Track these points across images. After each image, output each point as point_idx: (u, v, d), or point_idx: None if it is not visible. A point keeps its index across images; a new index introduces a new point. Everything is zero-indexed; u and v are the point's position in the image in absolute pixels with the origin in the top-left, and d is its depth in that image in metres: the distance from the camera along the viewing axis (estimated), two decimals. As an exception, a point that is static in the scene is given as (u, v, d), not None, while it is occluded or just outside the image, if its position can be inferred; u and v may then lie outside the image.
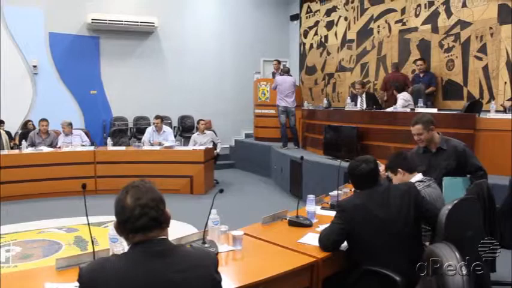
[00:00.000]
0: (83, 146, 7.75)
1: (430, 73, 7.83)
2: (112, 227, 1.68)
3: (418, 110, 6.26)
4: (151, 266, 1.47)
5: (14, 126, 9.04)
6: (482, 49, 7.15)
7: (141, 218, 1.50)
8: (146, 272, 1.46)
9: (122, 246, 2.28)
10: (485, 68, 7.10)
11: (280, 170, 8.03)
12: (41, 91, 9.47)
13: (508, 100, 6.44)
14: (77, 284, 1.50)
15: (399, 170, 3.11)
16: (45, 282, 2.07)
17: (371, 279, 2.46)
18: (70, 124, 7.94)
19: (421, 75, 7.78)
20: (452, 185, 3.33)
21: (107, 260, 1.54)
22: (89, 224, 2.32)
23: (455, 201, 2.39)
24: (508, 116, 5.35)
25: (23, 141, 7.44)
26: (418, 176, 3.11)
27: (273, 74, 9.69)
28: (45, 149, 7.42)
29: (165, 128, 8.38)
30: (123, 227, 1.54)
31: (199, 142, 8.14)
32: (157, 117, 8.19)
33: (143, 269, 1.46)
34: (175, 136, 9.12)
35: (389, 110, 6.77)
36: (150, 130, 8.25)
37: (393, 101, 7.38)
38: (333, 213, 2.79)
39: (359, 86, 7.74)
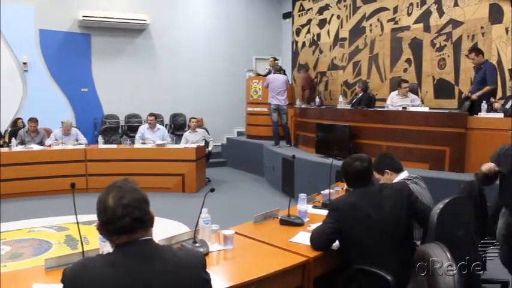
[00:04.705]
0: (80, 144, 7.69)
1: (483, 68, 6.06)
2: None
3: (410, 109, 6.28)
4: (134, 267, 1.44)
5: (3, 124, 8.94)
6: (474, 48, 7.18)
7: (124, 219, 1.46)
8: (129, 274, 1.43)
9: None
10: (477, 67, 7.14)
11: (272, 168, 8.02)
12: (31, 88, 9.38)
13: (499, 100, 6.47)
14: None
15: (386, 170, 3.12)
16: (33, 283, 2.04)
17: (362, 278, 2.45)
18: (71, 124, 8.07)
19: (475, 71, 6.38)
20: None
21: (90, 260, 1.51)
22: (78, 223, 2.30)
23: (446, 201, 2.39)
24: (499, 115, 5.38)
25: (13, 139, 7.37)
26: (404, 174, 3.13)
27: (269, 71, 9.62)
28: (36, 147, 7.35)
29: (159, 126, 8.37)
30: (106, 228, 1.50)
31: (191, 140, 8.12)
32: (151, 114, 8.17)
33: (126, 270, 1.44)
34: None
35: (392, 108, 6.73)
36: (143, 128, 8.22)
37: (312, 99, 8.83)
38: (324, 212, 2.79)
39: (358, 88, 7.75)
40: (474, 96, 5.90)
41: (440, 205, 2.36)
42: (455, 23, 7.44)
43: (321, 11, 10.59)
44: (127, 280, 1.42)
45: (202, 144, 8.06)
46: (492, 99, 5.84)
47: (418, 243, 2.71)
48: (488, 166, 3.27)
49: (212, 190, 2.61)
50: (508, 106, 5.67)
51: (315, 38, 10.83)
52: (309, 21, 11.00)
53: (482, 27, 7.02)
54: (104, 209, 1.49)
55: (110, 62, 10.09)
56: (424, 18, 7.97)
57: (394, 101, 6.92)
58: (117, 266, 1.44)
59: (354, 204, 2.54)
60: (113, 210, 1.47)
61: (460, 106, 6.14)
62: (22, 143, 7.50)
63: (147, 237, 1.52)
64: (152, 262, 1.47)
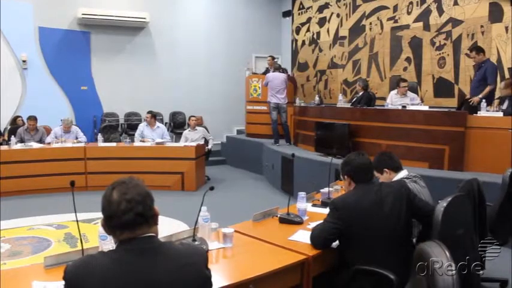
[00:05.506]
0: (79, 142, 7.69)
1: (483, 66, 6.06)
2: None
3: (410, 107, 6.28)
4: (136, 264, 1.44)
5: (2, 122, 8.94)
6: (474, 47, 7.18)
7: (127, 213, 1.47)
8: (130, 271, 1.43)
9: (112, 243, 2.24)
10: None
11: (271, 167, 8.02)
12: (30, 86, 9.36)
13: (496, 99, 6.47)
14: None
15: (385, 169, 3.11)
16: (33, 281, 2.04)
17: (363, 278, 2.45)
18: (71, 122, 8.03)
19: (475, 69, 6.34)
20: None
21: (92, 257, 1.51)
22: (77, 221, 2.30)
23: (449, 199, 2.39)
24: (498, 113, 5.38)
25: (12, 137, 7.36)
26: (403, 173, 3.13)
27: (267, 70, 9.62)
28: (35, 145, 7.35)
29: (159, 124, 8.37)
30: (109, 223, 1.51)
31: (190, 138, 8.12)
32: (149, 112, 8.17)
33: (128, 268, 1.43)
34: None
35: (392, 107, 6.72)
36: (142, 126, 8.22)
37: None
38: (323, 211, 2.79)
39: (359, 86, 7.75)
40: (476, 99, 5.89)
41: (444, 203, 2.35)
42: (455, 22, 7.44)
43: (320, 9, 10.59)
44: (129, 277, 1.42)
45: (202, 142, 8.05)
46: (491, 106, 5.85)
47: (414, 240, 2.72)
48: None
49: (212, 188, 2.61)
50: (504, 107, 5.66)
51: (315, 36, 10.83)
52: (309, 19, 11.00)
53: (482, 26, 7.03)
54: (108, 203, 1.50)
55: (110, 60, 10.08)
56: (424, 16, 7.97)
57: (393, 100, 6.91)
58: (119, 263, 1.44)
59: (354, 203, 2.54)
60: (117, 204, 1.48)
61: (460, 106, 6.14)
62: (21, 141, 7.50)
63: (150, 234, 1.52)
64: (154, 259, 1.47)
